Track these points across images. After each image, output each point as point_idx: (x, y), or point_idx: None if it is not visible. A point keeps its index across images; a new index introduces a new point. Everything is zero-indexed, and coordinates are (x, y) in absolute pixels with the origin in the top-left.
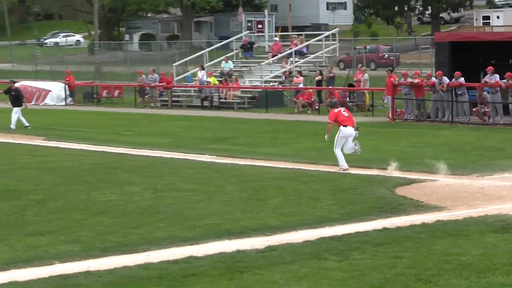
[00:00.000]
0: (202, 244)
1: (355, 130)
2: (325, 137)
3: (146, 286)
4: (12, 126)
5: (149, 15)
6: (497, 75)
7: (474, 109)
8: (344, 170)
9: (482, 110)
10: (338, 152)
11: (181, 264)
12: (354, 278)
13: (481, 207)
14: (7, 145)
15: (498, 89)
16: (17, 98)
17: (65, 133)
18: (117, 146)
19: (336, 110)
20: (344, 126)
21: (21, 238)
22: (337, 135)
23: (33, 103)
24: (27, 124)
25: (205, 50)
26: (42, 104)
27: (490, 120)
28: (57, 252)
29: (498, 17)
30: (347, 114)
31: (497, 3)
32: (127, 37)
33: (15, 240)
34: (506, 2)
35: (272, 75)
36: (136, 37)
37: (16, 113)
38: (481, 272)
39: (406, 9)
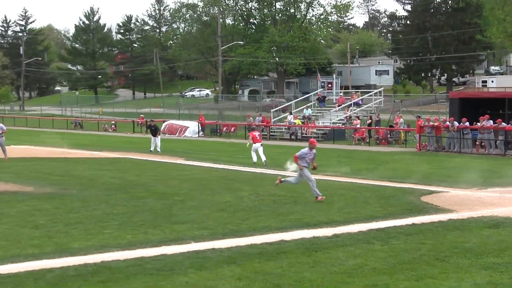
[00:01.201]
0: (289, 232)
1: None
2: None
3: (251, 259)
4: (158, 149)
5: (255, 77)
6: (491, 121)
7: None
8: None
9: (483, 143)
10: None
11: (275, 245)
12: (392, 257)
13: (479, 210)
14: (160, 163)
15: (492, 130)
16: (155, 131)
17: (198, 155)
18: (233, 165)
19: None
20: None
21: (168, 225)
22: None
23: (176, 135)
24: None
25: (292, 101)
26: (182, 136)
27: (486, 151)
28: (192, 235)
29: (492, 81)
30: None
31: (492, 71)
32: (240, 91)
33: (164, 227)
34: (498, 71)
35: (337, 118)
36: (246, 91)
37: (154, 142)
38: (479, 255)
39: (429, 75)
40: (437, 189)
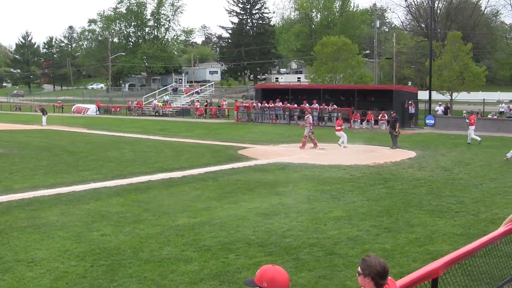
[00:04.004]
0: (155, 175)
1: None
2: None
3: (130, 192)
4: (44, 123)
5: (133, 75)
6: (281, 103)
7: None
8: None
9: (273, 117)
10: None
11: (145, 183)
12: (219, 189)
13: (273, 158)
14: (71, 132)
15: (281, 108)
16: (44, 112)
17: (96, 126)
18: (118, 132)
19: None
20: None
21: (76, 172)
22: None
23: (82, 114)
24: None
25: (156, 91)
26: (86, 114)
27: (278, 121)
28: (92, 178)
29: (281, 78)
30: None
31: (281, 72)
32: (123, 85)
33: (74, 173)
34: (285, 72)
35: (185, 101)
36: (127, 85)
37: (44, 119)
38: (273, 186)
39: (243, 74)
40: (248, 146)
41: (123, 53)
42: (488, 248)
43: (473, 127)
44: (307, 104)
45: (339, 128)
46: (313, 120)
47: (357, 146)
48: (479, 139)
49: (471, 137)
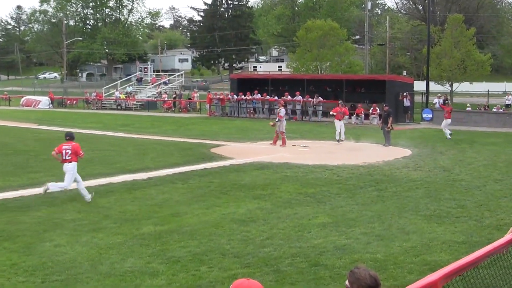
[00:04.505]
0: (116, 176)
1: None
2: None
3: (84, 200)
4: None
5: (91, 63)
6: (259, 94)
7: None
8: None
9: (251, 111)
10: None
11: (105, 186)
12: (190, 192)
13: (251, 158)
14: (21, 128)
15: (260, 101)
16: None
17: (48, 121)
18: (74, 128)
19: None
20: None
21: (25, 174)
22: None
23: (32, 107)
24: None
25: (118, 81)
26: (37, 108)
27: (256, 116)
28: (44, 181)
29: (260, 67)
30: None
31: (260, 60)
32: (80, 74)
33: (22, 175)
34: (265, 60)
35: (151, 93)
36: (84, 74)
37: None
38: (250, 189)
39: (217, 62)
40: (222, 143)
41: (80, 38)
42: (493, 258)
43: (449, 120)
44: (289, 96)
45: (341, 117)
46: (285, 113)
47: (346, 144)
48: (448, 134)
49: (444, 130)
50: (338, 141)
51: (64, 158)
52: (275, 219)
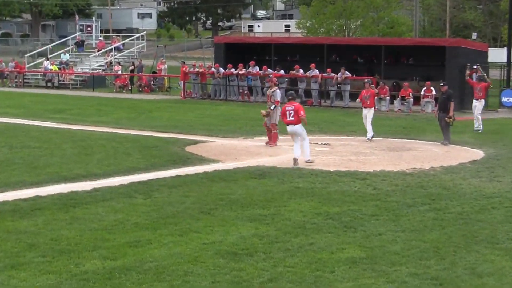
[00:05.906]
0: (45, 186)
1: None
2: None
3: (3, 217)
4: None
5: (7, 18)
6: (257, 67)
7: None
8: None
9: (246, 92)
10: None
11: (30, 201)
12: (155, 211)
13: (245, 160)
14: None
15: (258, 77)
16: None
17: None
18: None
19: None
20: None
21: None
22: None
23: None
24: None
25: (48, 46)
26: None
27: (252, 99)
28: None
29: (258, 26)
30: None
31: (258, 16)
32: None
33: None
34: (265, 16)
35: (97, 64)
36: None
37: None
38: (244, 206)
39: (194, 18)
40: (202, 139)
41: None
42: None
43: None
44: (301, 71)
45: (369, 103)
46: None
47: (385, 141)
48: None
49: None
50: (368, 139)
51: None
52: (281, 252)
